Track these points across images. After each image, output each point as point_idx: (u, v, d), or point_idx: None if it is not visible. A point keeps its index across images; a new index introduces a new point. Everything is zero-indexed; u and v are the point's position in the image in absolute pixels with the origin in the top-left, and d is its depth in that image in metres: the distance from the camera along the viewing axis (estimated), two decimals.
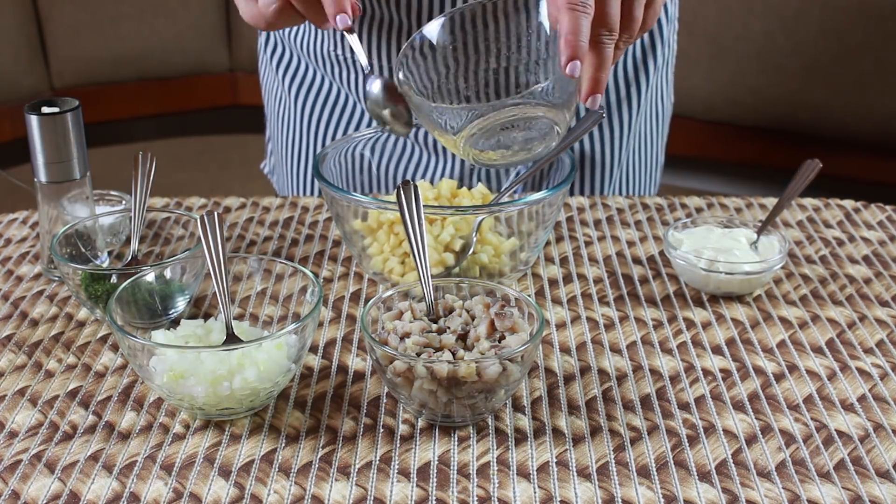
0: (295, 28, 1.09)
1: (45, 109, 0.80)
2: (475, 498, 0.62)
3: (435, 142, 1.05)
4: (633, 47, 1.07)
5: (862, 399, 0.72)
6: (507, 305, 0.70)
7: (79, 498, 0.62)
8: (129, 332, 0.68)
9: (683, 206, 1.02)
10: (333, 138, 1.11)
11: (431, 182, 1.04)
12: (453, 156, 1.05)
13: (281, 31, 1.11)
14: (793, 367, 0.76)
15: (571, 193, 1.10)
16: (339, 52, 1.06)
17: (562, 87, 0.76)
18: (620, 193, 1.13)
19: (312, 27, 1.07)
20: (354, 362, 0.76)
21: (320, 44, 1.07)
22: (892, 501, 0.62)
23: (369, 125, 1.09)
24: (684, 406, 0.71)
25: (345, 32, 0.79)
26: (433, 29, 0.76)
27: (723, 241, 0.87)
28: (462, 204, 0.86)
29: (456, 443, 0.67)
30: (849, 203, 1.03)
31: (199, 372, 0.66)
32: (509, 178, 0.98)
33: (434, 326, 0.69)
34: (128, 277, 0.75)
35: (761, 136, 2.10)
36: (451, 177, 1.05)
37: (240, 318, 0.79)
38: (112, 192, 0.98)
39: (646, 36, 1.08)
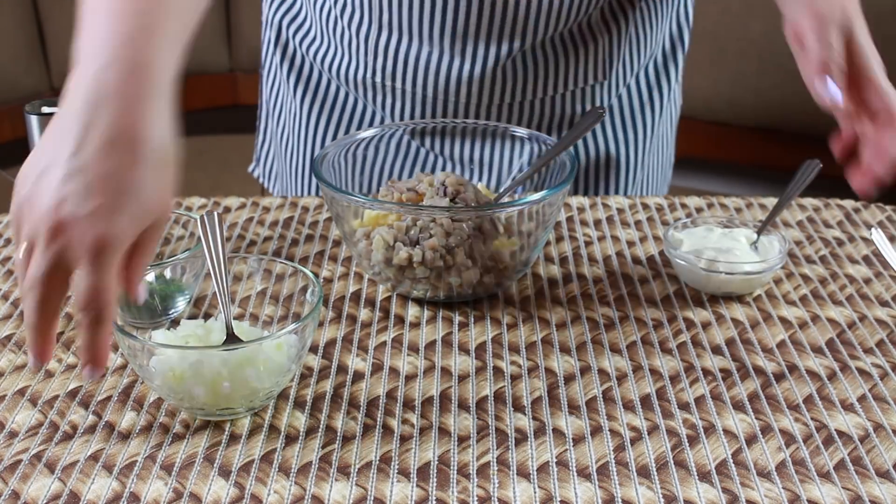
0: (318, 49, 1.07)
1: (45, 109, 0.80)
2: (475, 498, 0.62)
3: (436, 141, 1.05)
4: (659, 50, 1.08)
5: (862, 399, 0.72)
6: None
7: (79, 498, 0.62)
8: (129, 333, 0.68)
9: (683, 206, 1.02)
10: (336, 138, 1.11)
11: None
12: (453, 156, 1.05)
13: (306, 51, 1.09)
14: (793, 367, 0.76)
15: (595, 194, 1.10)
16: (379, 79, 1.04)
17: None
18: (640, 194, 1.13)
19: (347, 52, 1.05)
20: (354, 362, 0.76)
21: (353, 70, 1.05)
22: (892, 501, 0.62)
23: (370, 125, 1.09)
24: (684, 406, 0.71)
25: None
26: None
27: (723, 241, 0.87)
28: None
29: (456, 443, 0.67)
30: (849, 203, 1.03)
31: (199, 372, 0.66)
32: (509, 177, 0.98)
33: None
34: None
35: (761, 136, 2.10)
36: None
37: (240, 318, 0.79)
38: None
39: (667, 40, 1.09)
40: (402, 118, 1.06)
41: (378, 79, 1.04)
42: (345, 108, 1.10)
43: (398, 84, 1.04)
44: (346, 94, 1.09)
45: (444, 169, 1.06)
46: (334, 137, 1.11)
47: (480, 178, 1.03)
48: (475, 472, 0.64)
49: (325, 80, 1.10)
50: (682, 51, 1.11)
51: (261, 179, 1.28)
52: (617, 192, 1.11)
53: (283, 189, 1.21)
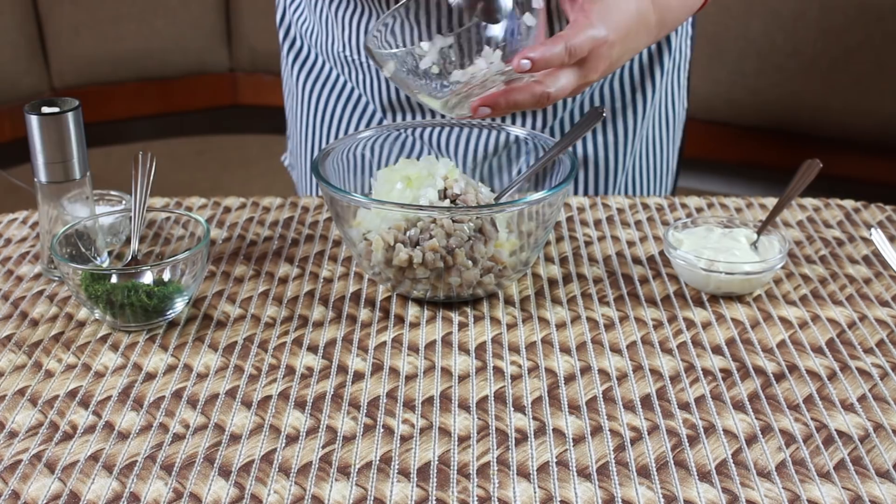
0: (309, 27, 1.10)
1: (45, 109, 0.80)
2: (475, 498, 0.62)
3: (438, 139, 1.05)
4: (640, 53, 1.08)
5: (862, 399, 0.72)
6: None
7: (79, 498, 0.62)
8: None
9: (683, 206, 1.02)
10: (347, 133, 1.12)
11: None
12: (454, 155, 1.06)
13: (300, 28, 1.12)
14: (793, 367, 0.76)
15: (575, 194, 1.10)
16: (348, 53, 1.06)
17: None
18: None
19: (324, 27, 1.07)
20: (354, 362, 0.76)
21: (331, 44, 1.08)
22: (892, 501, 0.62)
23: (381, 121, 1.09)
24: (684, 406, 0.71)
25: None
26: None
27: (723, 241, 0.87)
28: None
29: (456, 443, 0.67)
30: (849, 203, 1.03)
31: None
32: (509, 177, 0.98)
33: None
34: (128, 277, 0.75)
35: (761, 136, 2.10)
36: None
37: None
38: (112, 192, 0.98)
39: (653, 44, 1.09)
40: (373, 98, 1.07)
41: (347, 53, 1.06)
42: (334, 88, 1.11)
43: (364, 59, 1.05)
44: (338, 76, 1.10)
45: None
46: (323, 115, 1.11)
47: (482, 179, 1.03)
48: (475, 472, 0.64)
49: (319, 59, 1.11)
50: (669, 52, 1.10)
51: (290, 170, 1.29)
52: (596, 194, 1.11)
53: (299, 183, 1.22)
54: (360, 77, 1.08)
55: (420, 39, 0.84)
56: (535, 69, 0.76)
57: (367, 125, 1.10)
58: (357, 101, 1.10)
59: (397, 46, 0.83)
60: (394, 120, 1.07)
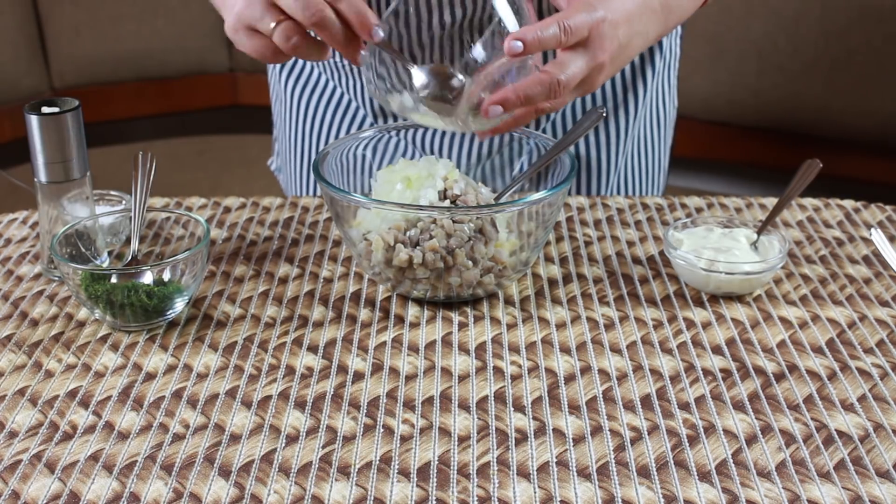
0: None
1: (45, 109, 0.80)
2: (475, 498, 0.62)
3: (432, 141, 1.05)
4: None
5: (862, 399, 0.72)
6: None
7: (79, 498, 0.62)
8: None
9: (683, 206, 1.02)
10: (337, 137, 1.11)
11: None
12: (453, 155, 1.06)
13: None
14: (793, 367, 0.76)
15: (568, 195, 1.10)
16: (339, 59, 1.06)
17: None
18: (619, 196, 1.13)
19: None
20: (354, 362, 0.76)
21: None
22: (892, 501, 0.62)
23: (372, 125, 1.09)
24: (684, 406, 0.71)
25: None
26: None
27: (723, 241, 0.87)
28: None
29: (456, 443, 0.67)
30: (849, 203, 1.03)
31: None
32: (509, 177, 0.98)
33: None
34: (128, 277, 0.75)
35: (761, 137, 2.10)
36: None
37: None
38: (112, 192, 0.98)
39: None
40: (364, 103, 1.07)
41: (338, 59, 1.06)
42: (324, 93, 1.11)
43: (346, 62, 1.05)
44: (327, 81, 1.10)
45: None
46: (335, 134, 1.11)
47: (479, 178, 1.03)
48: (475, 472, 0.64)
49: (308, 65, 1.11)
50: (660, 51, 1.10)
51: (277, 174, 1.29)
52: (589, 194, 1.11)
53: (287, 187, 1.22)
54: (351, 82, 1.08)
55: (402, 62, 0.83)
56: (529, 51, 0.74)
57: (358, 130, 1.10)
58: (347, 106, 1.10)
59: (383, 72, 0.82)
60: (413, 144, 1.06)
